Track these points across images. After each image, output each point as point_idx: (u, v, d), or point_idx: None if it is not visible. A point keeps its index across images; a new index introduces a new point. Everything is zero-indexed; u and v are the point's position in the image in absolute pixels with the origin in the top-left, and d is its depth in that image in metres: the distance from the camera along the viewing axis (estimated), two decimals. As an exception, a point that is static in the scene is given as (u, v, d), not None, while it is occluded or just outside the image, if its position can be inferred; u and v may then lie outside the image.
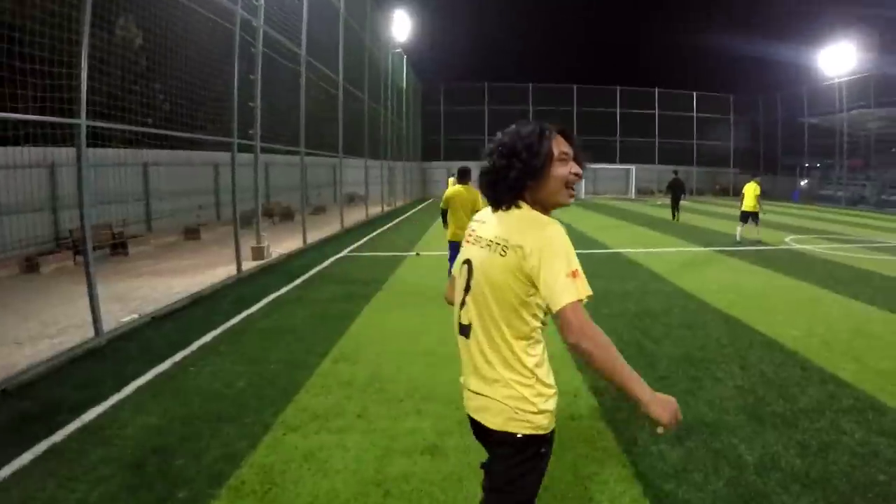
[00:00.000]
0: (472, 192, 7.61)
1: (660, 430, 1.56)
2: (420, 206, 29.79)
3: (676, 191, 21.22)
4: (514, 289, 1.67)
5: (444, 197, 7.86)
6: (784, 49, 41.37)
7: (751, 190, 14.75)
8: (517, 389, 1.71)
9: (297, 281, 9.30)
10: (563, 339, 1.55)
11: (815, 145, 39.97)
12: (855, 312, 7.80)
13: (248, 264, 10.09)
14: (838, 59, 35.62)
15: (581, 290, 1.60)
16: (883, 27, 35.67)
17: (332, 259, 11.50)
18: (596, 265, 11.26)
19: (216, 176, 17.75)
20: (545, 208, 1.79)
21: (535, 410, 1.71)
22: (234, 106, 9.57)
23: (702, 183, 46.56)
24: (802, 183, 41.66)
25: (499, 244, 1.70)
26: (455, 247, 7.91)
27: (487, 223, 1.82)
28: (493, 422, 1.74)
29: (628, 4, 68.04)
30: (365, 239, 15.09)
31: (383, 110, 24.88)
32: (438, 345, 6.00)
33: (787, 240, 16.30)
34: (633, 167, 42.23)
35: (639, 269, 10.82)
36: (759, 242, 14.75)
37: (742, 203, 14.90)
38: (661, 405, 1.54)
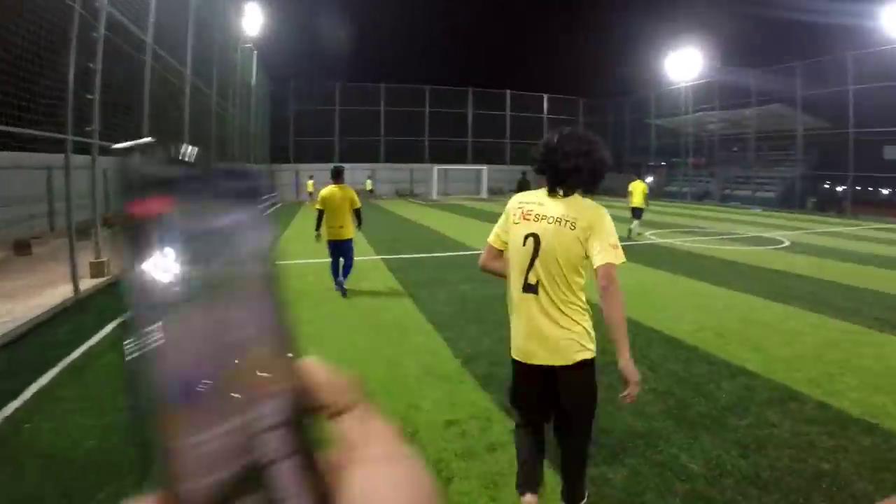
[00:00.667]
0: (348, 190, 8.50)
1: (626, 393, 2.66)
2: (271, 210, 28.83)
3: (524, 190, 22.96)
4: (578, 252, 2.60)
5: (319, 197, 8.53)
6: (633, 54, 46.21)
7: (639, 188, 16.60)
8: (582, 325, 2.69)
9: None
10: (598, 286, 2.56)
11: (661, 145, 45.17)
12: (736, 302, 8.54)
13: (87, 283, 9.23)
14: (684, 64, 41.19)
15: (619, 256, 2.61)
16: (726, 35, 41.62)
17: None
18: (471, 268, 11.21)
19: (49, 181, 15.81)
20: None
21: (592, 338, 2.76)
22: (69, 98, 8.46)
23: (552, 182, 50.12)
24: (648, 180, 46.47)
25: (567, 221, 2.59)
26: (334, 245, 8.65)
27: (546, 205, 2.67)
28: (566, 357, 2.67)
29: (482, 7, 71.71)
30: None
31: (232, 108, 24.09)
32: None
33: (648, 234, 17.78)
34: (485, 167, 44.10)
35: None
36: (628, 238, 16.18)
37: (630, 200, 16.69)
38: (635, 370, 2.65)
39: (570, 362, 2.69)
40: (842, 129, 29.90)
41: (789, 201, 32.85)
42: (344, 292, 8.71)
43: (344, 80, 43.88)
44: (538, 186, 2.93)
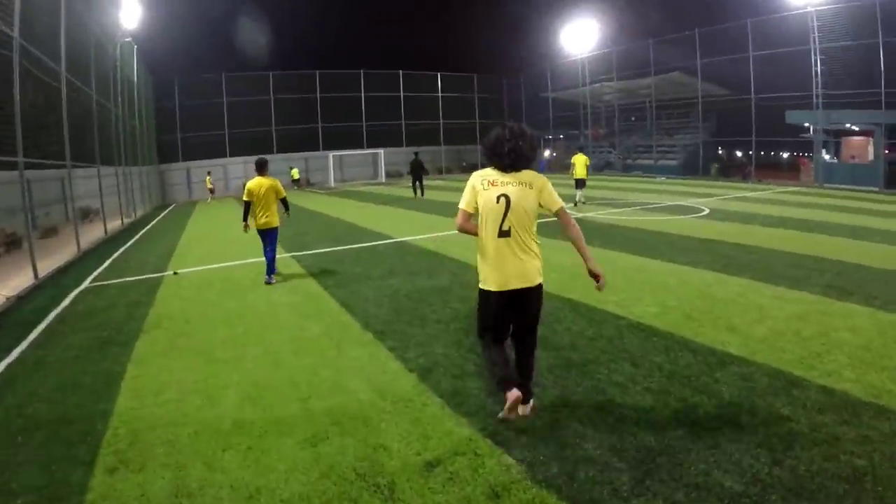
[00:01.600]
0: (272, 179, 9.32)
1: (601, 283, 4.03)
2: (163, 214, 26.93)
3: (417, 170, 25.61)
4: (535, 205, 3.87)
5: (246, 189, 9.24)
6: (527, 29, 46.72)
7: (581, 160, 18.34)
8: (538, 259, 3.96)
9: (32, 335, 7.26)
10: (561, 222, 3.98)
11: (559, 118, 46.02)
12: (687, 278, 8.40)
13: None
14: (580, 37, 42.19)
15: (561, 202, 3.96)
16: (622, 6, 42.76)
17: (73, 294, 9.50)
18: (392, 259, 10.60)
19: None
20: None
21: (541, 270, 4.00)
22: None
23: (449, 161, 50.36)
24: (546, 154, 48.01)
25: (525, 184, 3.83)
26: (264, 234, 9.28)
27: (505, 177, 3.86)
28: (531, 280, 3.88)
29: None
30: (109, 260, 12.70)
31: (114, 108, 22.45)
32: (244, 406, 4.67)
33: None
34: (381, 151, 43.40)
35: (439, 260, 10.40)
36: (575, 207, 17.74)
37: (573, 172, 18.45)
38: (599, 267, 4.03)
39: (533, 284, 3.90)
40: (743, 94, 31.41)
41: (692, 168, 34.33)
42: (271, 278, 9.27)
43: (230, 70, 41.86)
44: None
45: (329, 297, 8.10)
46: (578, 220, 14.65)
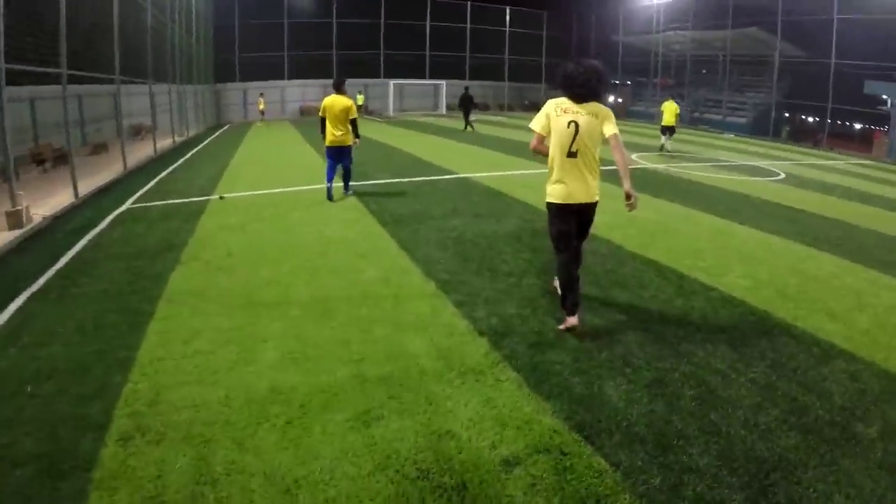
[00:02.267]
0: (347, 99, 9.17)
1: (632, 201, 4.20)
2: (216, 134, 26.14)
3: (467, 104, 25.24)
4: (600, 133, 4.22)
5: (322, 106, 9.22)
6: None
7: (671, 108, 18.17)
8: (598, 180, 4.39)
9: (61, 262, 6.38)
10: (611, 145, 4.23)
11: (628, 63, 43.47)
12: (777, 249, 7.43)
13: (3, 237, 7.26)
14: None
15: (617, 130, 4.25)
16: None
17: (111, 217, 8.62)
18: (455, 197, 9.77)
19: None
20: None
21: (599, 190, 4.44)
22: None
23: (511, 98, 48.61)
24: (610, 99, 45.87)
25: (593, 114, 4.20)
26: (332, 151, 9.27)
27: (578, 107, 4.25)
28: (592, 196, 4.36)
29: None
30: (154, 181, 11.93)
31: (170, 23, 21.39)
32: (286, 366, 3.89)
33: (634, 157, 16.58)
34: (443, 83, 41.80)
35: (505, 201, 9.52)
36: (661, 151, 18.25)
37: (662, 119, 18.44)
38: (634, 191, 4.24)
39: (592, 200, 4.39)
40: (823, 59, 28.96)
41: (761, 128, 32.13)
42: (348, 191, 9.72)
43: None
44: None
45: (388, 235, 7.29)
46: (655, 171, 13.72)
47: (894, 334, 4.78)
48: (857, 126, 33.93)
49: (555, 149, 4.31)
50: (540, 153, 4.50)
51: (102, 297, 5.19)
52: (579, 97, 4.23)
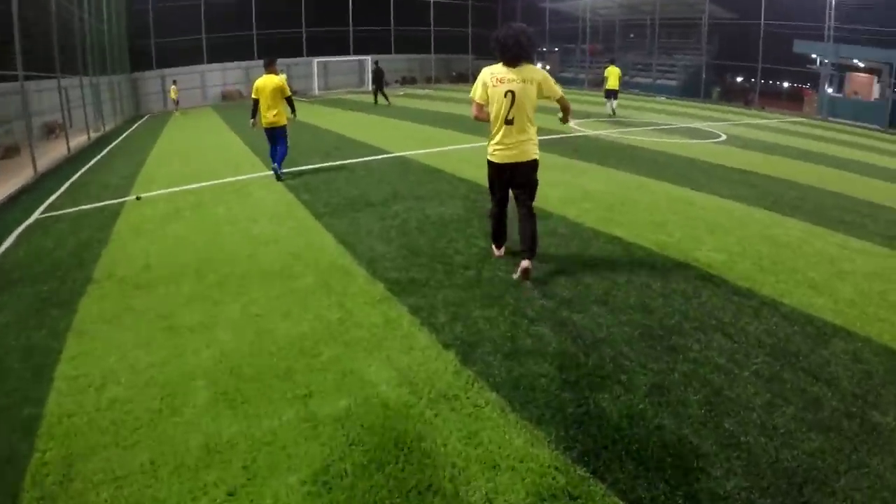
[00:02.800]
0: (279, 78, 9.34)
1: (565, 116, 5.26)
2: (135, 126, 24.32)
3: (378, 79, 25.65)
4: (534, 98, 4.62)
5: (254, 87, 9.24)
6: None
7: (614, 72, 19.79)
8: (534, 140, 4.81)
9: None
10: (560, 105, 4.96)
11: (555, 30, 43.33)
12: (739, 215, 7.26)
13: None
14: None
15: (560, 91, 4.84)
16: None
17: (19, 230, 7.44)
18: (393, 178, 9.13)
19: None
20: None
21: (538, 147, 4.89)
22: None
23: (438, 70, 47.92)
24: (539, 66, 45.82)
25: (527, 80, 4.53)
26: (271, 133, 9.41)
27: (510, 73, 4.57)
28: (529, 155, 4.76)
29: None
30: (67, 184, 10.62)
31: (77, 10, 19.73)
32: (220, 412, 3.16)
33: (572, 125, 16.31)
34: (368, 58, 40.41)
35: (447, 180, 8.95)
36: (611, 116, 19.31)
37: (606, 83, 19.98)
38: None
39: (528, 159, 4.82)
40: (752, 20, 29.50)
41: (692, 90, 32.65)
42: (280, 177, 9.35)
43: None
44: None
45: (323, 229, 6.54)
46: (597, 138, 13.41)
47: (881, 304, 4.59)
48: (786, 85, 34.97)
49: (493, 116, 4.71)
50: (482, 120, 4.91)
51: (3, 334, 4.28)
52: (512, 59, 4.58)
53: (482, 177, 5.50)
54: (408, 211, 7.09)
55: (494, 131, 4.75)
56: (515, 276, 4.82)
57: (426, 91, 35.77)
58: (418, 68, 47.49)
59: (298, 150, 12.18)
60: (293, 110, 9.63)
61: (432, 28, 46.63)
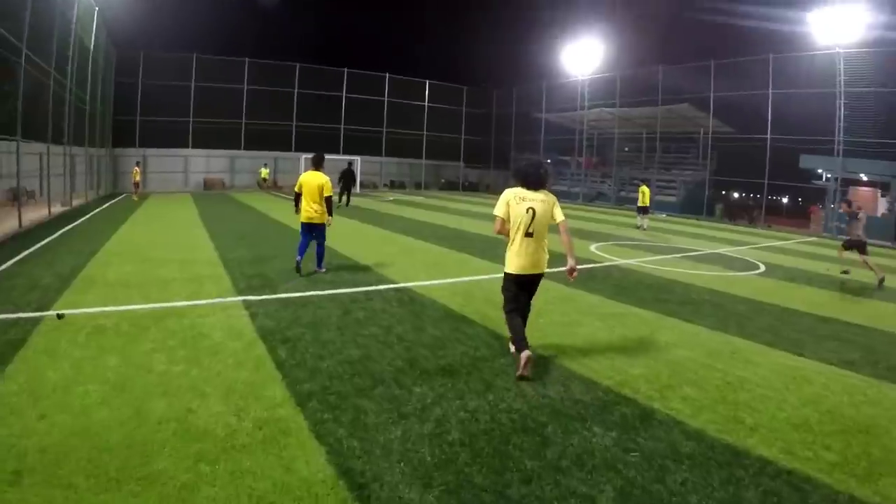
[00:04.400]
0: (322, 177, 9.23)
1: (574, 275, 5.51)
2: (106, 206, 22.10)
3: (348, 180, 25.23)
4: (549, 216, 5.42)
5: (298, 182, 9.29)
6: (526, 43, 44.08)
7: (647, 191, 21.51)
8: (546, 255, 5.54)
9: None
10: (560, 229, 5.53)
11: (551, 141, 42.98)
12: (877, 398, 5.10)
13: None
14: (583, 57, 39.06)
15: (563, 217, 5.49)
16: (631, 28, 40.28)
17: None
18: (403, 331, 6.72)
19: None
20: None
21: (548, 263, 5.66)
22: None
23: (428, 176, 47.14)
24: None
25: (545, 201, 5.38)
26: (306, 227, 9.34)
27: (532, 194, 5.38)
28: (541, 268, 5.49)
29: None
30: None
31: (67, 80, 19.60)
32: None
33: (592, 248, 14.47)
34: (358, 158, 39.54)
35: (480, 336, 6.59)
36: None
37: (640, 200, 21.48)
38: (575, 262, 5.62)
39: (541, 271, 5.51)
40: (751, 133, 28.93)
41: (693, 207, 31.62)
42: (321, 268, 9.63)
43: (202, 51, 36.93)
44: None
45: (309, 435, 3.98)
46: (630, 269, 11.43)
47: None
48: (785, 200, 34.24)
49: (514, 230, 5.39)
50: (502, 234, 5.55)
51: None
52: (533, 184, 5.43)
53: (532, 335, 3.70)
54: (440, 401, 4.63)
55: (515, 243, 5.40)
56: (519, 372, 5.16)
57: (419, 198, 34.37)
58: (408, 173, 46.66)
59: (277, 265, 10.05)
60: (330, 212, 9.33)
61: (425, 133, 46.28)
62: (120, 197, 27.29)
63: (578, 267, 5.59)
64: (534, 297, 5.74)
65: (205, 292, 7.90)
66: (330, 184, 9.27)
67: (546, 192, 5.46)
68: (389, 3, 65.23)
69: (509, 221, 5.39)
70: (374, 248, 12.63)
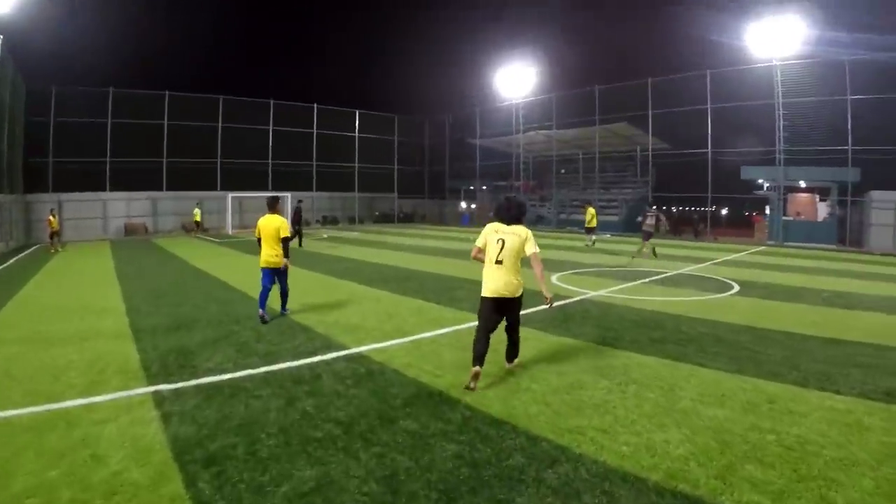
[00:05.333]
0: (278, 219, 9.04)
1: (550, 303, 6.03)
2: (9, 262, 19.12)
3: (300, 221, 23.92)
4: (522, 248, 5.95)
5: (256, 227, 9.13)
6: (458, 69, 43.49)
7: (592, 211, 24.09)
8: (520, 280, 5.97)
9: None
10: (532, 261, 5.99)
11: (486, 167, 42.23)
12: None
13: None
14: (517, 80, 38.53)
15: (537, 247, 6.06)
16: (564, 49, 40.24)
17: None
18: (371, 421, 5.22)
19: None
20: None
21: (522, 288, 6.04)
22: None
23: (362, 209, 45.62)
24: (465, 206, 44.59)
25: (517, 235, 5.96)
26: (268, 272, 9.03)
27: (507, 228, 6.03)
28: (515, 293, 5.94)
29: (285, 13, 64.63)
30: None
31: None
32: None
33: (555, 280, 13.25)
34: (288, 195, 37.58)
35: (475, 429, 5.08)
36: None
37: (588, 222, 23.84)
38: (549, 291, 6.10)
39: (514, 295, 5.91)
40: (697, 148, 28.90)
41: (637, 225, 31.28)
42: (285, 311, 9.51)
43: (118, 85, 34.11)
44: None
45: None
46: (612, 304, 10.24)
47: None
48: (724, 211, 34.41)
49: (488, 257, 6.00)
50: (478, 260, 6.13)
51: None
52: (506, 220, 6.07)
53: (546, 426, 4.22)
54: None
55: (487, 269, 5.99)
56: (469, 384, 5.77)
57: (354, 234, 32.72)
58: (340, 207, 44.92)
59: (198, 333, 8.27)
60: (286, 254, 9.06)
61: (356, 164, 44.75)
62: (33, 248, 24.51)
63: (540, 309, 6.56)
64: (516, 320, 6.23)
65: (106, 382, 6.11)
66: (287, 225, 9.10)
67: (521, 226, 6.08)
68: (314, 33, 64.08)
69: (485, 250, 6.05)
70: (315, 299, 10.87)
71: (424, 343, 7.70)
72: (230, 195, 34.84)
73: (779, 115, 25.70)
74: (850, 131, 23.85)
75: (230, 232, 33.45)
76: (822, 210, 27.83)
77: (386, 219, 46.31)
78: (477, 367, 5.68)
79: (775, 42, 25.71)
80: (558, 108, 36.14)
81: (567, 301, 10.56)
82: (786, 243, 25.45)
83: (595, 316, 9.33)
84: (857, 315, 9.69)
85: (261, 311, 8.89)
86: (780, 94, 25.61)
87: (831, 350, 7.20)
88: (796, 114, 25.31)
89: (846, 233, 25.09)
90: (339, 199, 44.76)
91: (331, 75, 56.01)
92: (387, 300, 10.88)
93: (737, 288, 12.32)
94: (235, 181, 37.04)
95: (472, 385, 5.67)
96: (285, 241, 8.98)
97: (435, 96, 49.88)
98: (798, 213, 27.70)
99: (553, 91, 37.41)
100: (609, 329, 8.35)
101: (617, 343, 7.58)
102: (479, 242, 6.06)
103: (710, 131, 28.31)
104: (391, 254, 20.24)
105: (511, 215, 6.08)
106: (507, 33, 53.86)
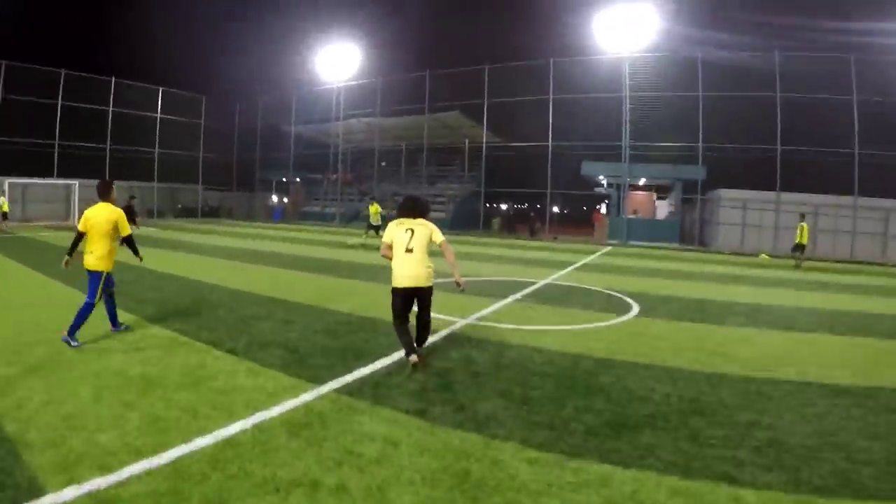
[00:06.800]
0: (112, 209, 6.57)
1: (462, 287, 6.01)
2: None
3: (130, 216, 17.42)
4: (429, 238, 5.88)
5: (83, 218, 6.58)
6: (273, 48, 38.39)
7: (376, 209, 21.09)
8: (431, 269, 5.86)
9: None
10: (442, 249, 5.91)
11: (302, 157, 37.74)
12: None
13: None
14: (339, 63, 34.21)
15: (443, 238, 5.98)
16: (395, 31, 36.61)
17: None
18: None
19: None
20: None
21: (434, 276, 5.93)
22: None
23: (162, 201, 38.83)
24: (285, 199, 40.14)
25: (423, 226, 5.88)
26: (97, 278, 6.48)
27: (413, 221, 5.90)
28: (427, 282, 5.81)
29: None
30: None
31: None
32: None
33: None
34: (76, 182, 30.03)
35: None
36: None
37: (372, 219, 21.29)
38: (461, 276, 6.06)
39: (426, 285, 5.79)
40: (537, 141, 26.80)
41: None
42: (118, 326, 6.86)
43: None
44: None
45: None
46: (500, 342, 6.62)
47: None
48: (556, 209, 33.21)
49: (397, 248, 5.86)
50: (387, 258, 5.98)
51: None
52: (408, 214, 6.00)
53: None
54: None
55: (396, 258, 5.83)
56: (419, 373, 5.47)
57: (152, 230, 26.43)
58: (138, 198, 37.69)
59: None
60: (136, 252, 6.99)
61: (157, 150, 37.84)
62: None
63: (430, 340, 6.09)
64: (427, 309, 5.94)
65: None
66: (125, 219, 6.68)
67: (424, 220, 5.99)
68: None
69: (393, 245, 5.88)
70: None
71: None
72: (7, 181, 27.71)
73: (626, 109, 24.52)
74: (700, 128, 23.13)
75: (2, 226, 25.24)
76: (662, 208, 27.27)
77: (189, 213, 40.08)
78: (414, 357, 5.57)
79: (626, 33, 24.68)
80: (384, 94, 32.59)
81: (435, 338, 6.78)
82: (630, 242, 24.31)
83: (483, 370, 5.54)
84: (819, 340, 7.08)
85: (114, 328, 6.82)
86: (628, 86, 24.41)
87: (846, 409, 4.11)
88: (644, 108, 24.48)
89: (690, 232, 24.77)
90: (137, 189, 37.57)
91: (132, 45, 47.43)
92: (142, 357, 6.16)
93: (636, 306, 9.37)
94: (14, 165, 29.43)
95: (422, 373, 5.49)
96: (129, 241, 6.85)
97: (246, 76, 43.88)
98: (635, 211, 26.90)
99: (379, 75, 33.69)
100: (521, 404, 4.55)
101: (553, 445, 3.85)
102: (385, 239, 6.04)
103: (551, 122, 26.32)
104: (186, 259, 14.98)
105: (412, 209, 6.09)
106: (331, 9, 48.99)
